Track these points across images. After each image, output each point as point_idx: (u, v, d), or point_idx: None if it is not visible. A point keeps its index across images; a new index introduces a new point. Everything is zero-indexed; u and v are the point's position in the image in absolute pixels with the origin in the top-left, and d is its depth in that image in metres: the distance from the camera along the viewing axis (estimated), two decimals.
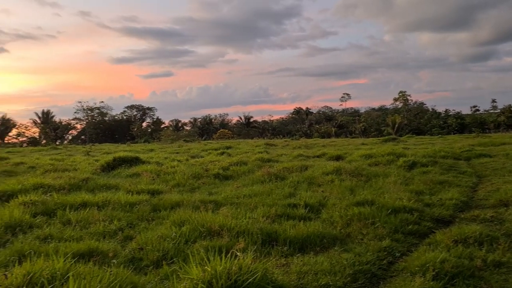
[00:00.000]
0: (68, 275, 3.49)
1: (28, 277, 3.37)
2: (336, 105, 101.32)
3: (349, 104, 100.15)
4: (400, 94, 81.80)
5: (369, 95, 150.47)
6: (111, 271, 3.69)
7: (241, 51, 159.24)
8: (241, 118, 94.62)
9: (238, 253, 3.83)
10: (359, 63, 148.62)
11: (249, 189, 9.42)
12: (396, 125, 61.82)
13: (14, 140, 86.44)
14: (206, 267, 3.62)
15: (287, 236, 5.51)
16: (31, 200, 7.84)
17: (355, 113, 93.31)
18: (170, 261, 4.66)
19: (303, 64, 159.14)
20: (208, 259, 3.76)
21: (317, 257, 4.86)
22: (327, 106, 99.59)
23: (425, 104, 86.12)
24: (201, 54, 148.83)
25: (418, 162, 12.77)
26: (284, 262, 4.68)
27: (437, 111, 78.95)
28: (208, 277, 3.51)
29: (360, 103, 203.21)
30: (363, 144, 28.07)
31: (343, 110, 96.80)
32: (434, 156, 14.82)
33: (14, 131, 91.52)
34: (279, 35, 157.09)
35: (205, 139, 55.08)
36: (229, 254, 3.82)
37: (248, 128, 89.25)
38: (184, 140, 46.72)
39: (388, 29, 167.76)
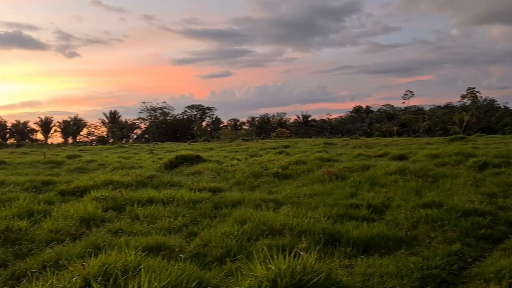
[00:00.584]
0: (139, 267, 3.66)
1: (104, 268, 3.58)
2: (398, 103, 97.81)
3: (412, 102, 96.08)
4: (469, 91, 77.56)
5: (434, 92, 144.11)
6: (178, 265, 3.82)
7: (300, 49, 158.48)
8: (299, 117, 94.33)
9: (302, 253, 3.81)
10: (424, 59, 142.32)
11: (309, 188, 9.35)
12: (464, 124, 58.64)
13: (85, 139, 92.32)
14: (270, 265, 3.64)
15: (350, 237, 5.40)
16: (102, 195, 8.31)
17: (418, 111, 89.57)
18: (233, 258, 4.74)
19: (363, 61, 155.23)
20: (272, 258, 3.77)
21: (382, 259, 4.72)
22: (389, 104, 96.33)
23: (496, 101, 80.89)
24: (259, 54, 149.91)
25: (489, 163, 12.02)
26: (348, 263, 4.59)
27: (509, 108, 73.83)
28: (272, 275, 3.53)
29: (424, 100, 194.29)
30: (428, 143, 26.91)
31: (406, 108, 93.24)
32: (508, 156, 13.83)
33: (84, 131, 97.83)
34: (338, 32, 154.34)
35: (262, 138, 55.48)
36: (292, 254, 3.80)
37: (306, 127, 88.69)
38: (242, 139, 47.38)
39: (456, 22, 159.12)
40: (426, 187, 8.83)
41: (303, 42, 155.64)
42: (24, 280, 3.99)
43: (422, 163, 12.32)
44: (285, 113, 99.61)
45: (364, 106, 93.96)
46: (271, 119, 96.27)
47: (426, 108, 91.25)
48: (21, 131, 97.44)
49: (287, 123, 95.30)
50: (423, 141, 31.91)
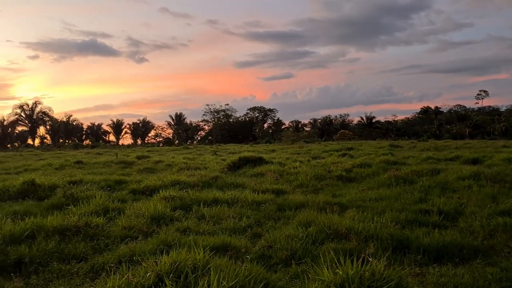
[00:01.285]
0: (208, 266, 3.77)
1: (175, 266, 3.72)
2: (471, 104, 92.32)
3: (487, 102, 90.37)
4: None
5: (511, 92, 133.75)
6: (245, 266, 3.89)
7: (364, 49, 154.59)
8: (362, 119, 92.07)
9: (370, 258, 3.72)
10: (500, 56, 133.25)
11: (375, 192, 9.09)
12: None
13: (152, 140, 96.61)
14: (337, 270, 3.59)
15: (420, 244, 5.18)
16: (170, 195, 8.65)
17: (494, 112, 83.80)
18: (299, 261, 4.73)
19: (432, 60, 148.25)
20: (339, 262, 3.72)
21: (456, 269, 4.47)
22: (460, 105, 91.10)
23: None
24: (321, 55, 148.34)
25: None
26: (419, 272, 4.40)
27: None
28: (340, 280, 3.48)
29: (501, 100, 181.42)
30: (505, 146, 25.11)
31: (479, 109, 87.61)
32: None
33: (152, 132, 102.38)
34: (405, 30, 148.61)
35: (325, 140, 54.79)
36: (360, 259, 3.72)
37: (370, 128, 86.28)
38: (304, 141, 47.10)
39: None
40: (503, 194, 8.24)
41: (367, 42, 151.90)
42: (104, 274, 4.26)
43: (498, 167, 11.50)
44: (348, 115, 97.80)
45: (432, 107, 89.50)
46: (333, 121, 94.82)
47: (503, 109, 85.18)
48: (95, 132, 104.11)
49: (350, 124, 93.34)
50: (499, 144, 29.85)
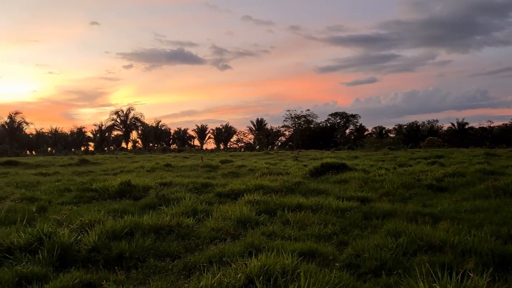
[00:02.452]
0: (297, 271, 3.79)
1: (264, 269, 3.80)
2: None
3: None
4: None
5: None
6: (335, 273, 3.84)
7: (456, 51, 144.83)
8: (453, 125, 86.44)
9: (471, 274, 3.47)
10: None
11: (471, 203, 8.46)
12: None
13: (234, 145, 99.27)
14: (434, 284, 3.40)
15: None
16: (254, 199, 8.82)
17: None
18: (389, 272, 4.55)
19: None
20: (436, 276, 3.52)
21: None
22: None
23: None
24: (408, 58, 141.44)
25: None
26: None
27: None
28: None
29: None
30: None
31: None
32: None
33: (234, 137, 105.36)
34: (503, 29, 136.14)
35: (411, 147, 52.19)
36: (460, 274, 3.49)
37: (462, 135, 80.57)
38: (388, 148, 45.29)
39: None
40: None
41: (460, 43, 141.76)
42: (197, 273, 4.47)
43: None
44: (437, 121, 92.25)
45: None
46: (420, 127, 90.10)
47: None
48: (181, 137, 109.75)
49: (439, 131, 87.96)
50: None
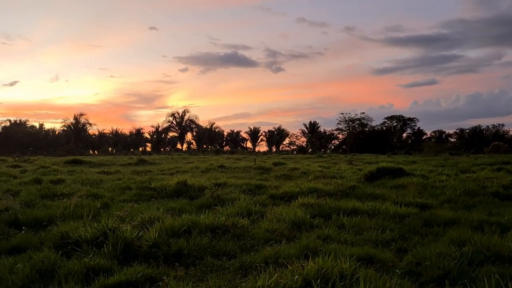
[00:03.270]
0: (356, 276, 3.71)
1: (322, 272, 3.76)
2: None
3: None
4: None
5: None
6: (396, 280, 3.72)
7: None
8: None
9: None
10: None
11: None
12: None
13: (287, 148, 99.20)
14: None
15: None
16: (308, 202, 8.76)
17: None
18: (453, 282, 4.34)
19: None
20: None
21: None
22: None
23: None
24: (471, 58, 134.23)
25: None
26: None
27: None
28: None
29: None
30: None
31: None
32: None
33: (286, 140, 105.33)
34: None
35: (473, 153, 49.49)
36: None
37: None
38: (449, 153, 43.23)
39: None
40: None
41: None
42: (253, 273, 4.50)
43: None
44: (503, 125, 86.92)
45: None
46: (484, 131, 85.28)
47: None
48: (234, 139, 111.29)
49: (506, 136, 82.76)
50: None
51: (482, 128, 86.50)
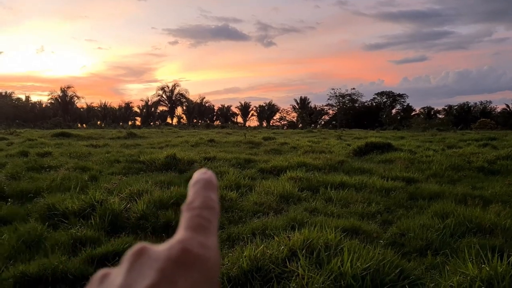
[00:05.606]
0: (340, 246, 3.79)
1: (307, 242, 3.82)
2: None
3: None
4: None
5: None
6: (379, 250, 3.80)
7: None
8: (508, 106, 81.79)
9: None
10: None
11: None
12: None
13: (277, 123, 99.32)
14: (483, 266, 3.30)
15: None
16: (297, 176, 8.82)
17: None
18: (435, 252, 4.45)
19: None
20: (486, 258, 3.41)
21: None
22: None
23: None
24: (462, 35, 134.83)
25: None
26: None
27: None
28: (486, 276, 3.19)
29: None
30: None
31: None
32: None
33: (277, 115, 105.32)
34: None
35: (461, 129, 50.05)
36: (511, 258, 3.36)
37: None
38: (437, 129, 43.69)
39: None
40: None
41: None
42: (241, 243, 4.56)
43: None
44: (490, 102, 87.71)
45: None
46: (472, 108, 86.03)
47: None
48: (224, 114, 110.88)
49: (493, 113, 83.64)
50: None
51: (470, 105, 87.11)
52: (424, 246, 4.62)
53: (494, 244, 4.41)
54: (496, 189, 8.04)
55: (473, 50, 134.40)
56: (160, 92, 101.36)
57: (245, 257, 3.70)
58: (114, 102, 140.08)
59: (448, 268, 3.66)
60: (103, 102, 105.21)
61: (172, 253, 0.35)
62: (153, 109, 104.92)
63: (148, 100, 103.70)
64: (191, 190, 0.43)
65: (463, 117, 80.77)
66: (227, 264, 3.65)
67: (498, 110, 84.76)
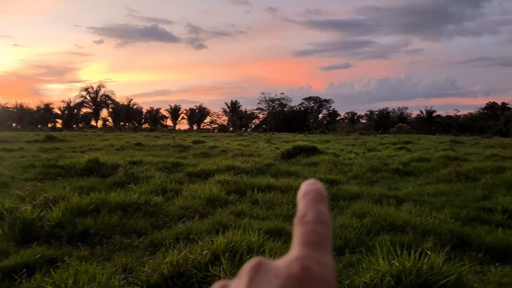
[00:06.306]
0: (262, 248, 3.84)
1: (230, 246, 3.83)
2: None
3: None
4: None
5: None
6: None
7: (428, 39, 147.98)
8: (422, 112, 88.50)
9: (429, 252, 3.61)
10: None
11: (434, 187, 8.77)
12: None
13: (208, 126, 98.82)
14: (393, 261, 3.52)
15: (482, 242, 4.95)
16: (225, 179, 8.82)
17: None
18: (352, 250, 4.68)
19: (504, 53, 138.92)
20: (396, 254, 3.65)
21: None
22: None
23: None
24: (382, 45, 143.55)
25: None
26: (480, 270, 4.22)
27: None
28: (396, 271, 3.41)
29: None
30: None
31: None
32: None
33: (208, 118, 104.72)
34: (474, 19, 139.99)
35: (381, 133, 53.27)
36: (418, 253, 3.62)
37: (430, 123, 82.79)
38: (359, 133, 46.10)
39: None
40: None
41: (433, 31, 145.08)
42: (162, 249, 4.46)
43: None
44: (406, 108, 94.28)
45: (499, 103, 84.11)
46: (391, 114, 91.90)
47: None
48: (153, 117, 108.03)
49: (409, 118, 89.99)
50: None
51: (388, 110, 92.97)
52: (343, 245, 4.83)
53: (404, 241, 4.73)
54: (408, 189, 8.66)
55: (392, 59, 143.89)
56: (84, 93, 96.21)
57: (166, 263, 3.63)
58: (32, 103, 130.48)
59: (363, 265, 3.86)
60: (19, 103, 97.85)
61: (292, 271, 0.34)
62: (76, 111, 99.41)
63: (70, 102, 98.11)
64: (301, 203, 0.42)
65: (383, 122, 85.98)
66: (147, 271, 3.55)
67: (413, 116, 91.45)
